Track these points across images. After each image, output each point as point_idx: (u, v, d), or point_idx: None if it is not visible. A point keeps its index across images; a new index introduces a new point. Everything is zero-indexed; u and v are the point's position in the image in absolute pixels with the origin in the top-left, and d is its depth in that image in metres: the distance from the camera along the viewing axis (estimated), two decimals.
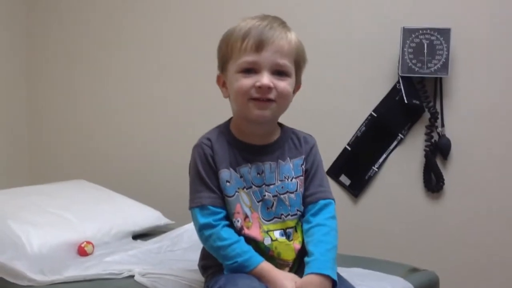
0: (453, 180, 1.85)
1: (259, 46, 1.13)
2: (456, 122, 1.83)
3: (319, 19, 2.00)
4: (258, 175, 1.20)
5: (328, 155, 2.00)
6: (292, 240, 1.20)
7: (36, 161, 2.61)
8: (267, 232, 1.18)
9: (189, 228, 1.63)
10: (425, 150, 1.87)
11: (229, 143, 1.20)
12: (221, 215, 1.17)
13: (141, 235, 1.87)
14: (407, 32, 1.80)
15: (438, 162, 1.85)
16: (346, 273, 1.44)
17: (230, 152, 1.19)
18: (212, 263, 1.20)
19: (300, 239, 1.21)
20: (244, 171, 1.19)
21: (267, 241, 1.17)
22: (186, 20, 2.25)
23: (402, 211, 1.93)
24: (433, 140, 1.85)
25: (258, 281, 1.10)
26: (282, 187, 1.20)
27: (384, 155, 1.94)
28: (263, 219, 1.19)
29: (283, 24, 1.20)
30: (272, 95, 1.15)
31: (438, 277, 1.55)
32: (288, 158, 1.23)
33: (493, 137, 1.80)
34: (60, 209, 1.75)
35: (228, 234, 1.14)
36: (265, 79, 1.13)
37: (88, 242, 1.63)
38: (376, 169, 1.95)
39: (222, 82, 1.23)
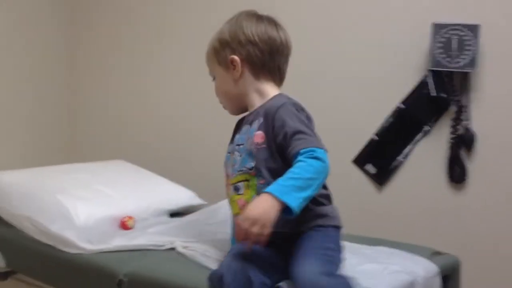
0: (476, 172, 1.90)
1: None
2: (482, 116, 1.88)
3: (352, 13, 2.06)
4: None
5: (355, 144, 2.07)
6: (241, 194, 1.30)
7: (76, 142, 2.72)
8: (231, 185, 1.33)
9: (223, 205, 1.72)
10: (450, 142, 1.92)
11: None
12: None
13: (177, 214, 1.97)
14: (437, 28, 1.85)
15: (463, 154, 1.91)
16: (371, 250, 1.52)
17: None
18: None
19: (248, 196, 1.28)
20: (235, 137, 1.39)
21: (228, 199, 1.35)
22: (226, 15, 2.31)
23: (425, 200, 1.98)
24: (458, 133, 1.90)
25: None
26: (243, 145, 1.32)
27: (410, 146, 2.00)
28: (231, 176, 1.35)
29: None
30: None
31: (460, 261, 1.61)
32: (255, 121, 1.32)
33: None
34: (103, 185, 1.86)
35: None
36: None
37: (130, 217, 1.74)
38: (402, 159, 2.01)
39: None
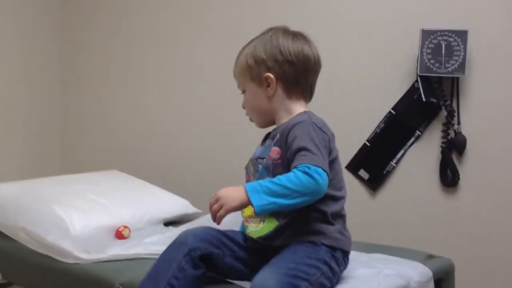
0: (468, 176, 1.92)
1: None
2: (472, 119, 1.91)
3: (342, 20, 2.09)
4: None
5: (348, 150, 2.09)
6: None
7: (71, 151, 2.73)
8: None
9: None
10: (441, 147, 1.95)
11: None
12: None
13: (171, 223, 1.98)
14: (426, 34, 1.88)
15: (454, 158, 1.93)
16: (367, 257, 1.54)
17: None
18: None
19: None
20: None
21: None
22: (223, 18, 2.32)
23: (418, 204, 2.00)
24: (449, 137, 1.93)
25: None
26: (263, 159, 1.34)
27: (402, 151, 2.03)
28: None
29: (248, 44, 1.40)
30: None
31: (453, 264, 1.63)
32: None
33: (507, 134, 1.88)
34: (98, 195, 1.87)
35: None
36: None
37: (125, 227, 1.75)
38: (394, 164, 2.04)
39: None
